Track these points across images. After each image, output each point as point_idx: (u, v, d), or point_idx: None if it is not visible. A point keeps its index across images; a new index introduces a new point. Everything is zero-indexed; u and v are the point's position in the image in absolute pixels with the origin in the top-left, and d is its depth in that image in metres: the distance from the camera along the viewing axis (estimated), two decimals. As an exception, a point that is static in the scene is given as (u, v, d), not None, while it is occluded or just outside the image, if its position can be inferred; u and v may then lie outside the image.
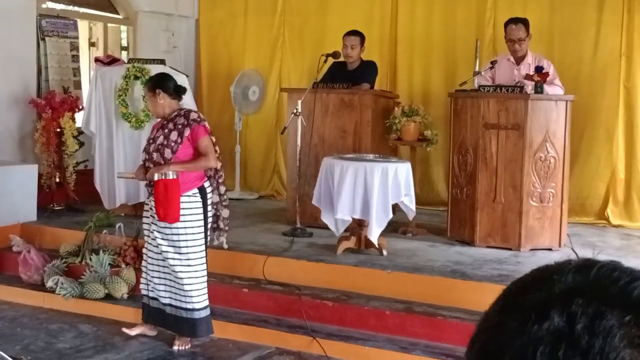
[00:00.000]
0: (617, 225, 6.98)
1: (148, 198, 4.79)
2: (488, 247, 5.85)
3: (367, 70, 6.73)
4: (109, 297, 5.42)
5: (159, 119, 4.85)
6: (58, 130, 6.94)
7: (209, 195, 4.70)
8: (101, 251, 5.67)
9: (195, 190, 4.63)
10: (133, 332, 4.91)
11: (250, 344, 4.85)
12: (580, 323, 0.59)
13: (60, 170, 7.05)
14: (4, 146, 7.02)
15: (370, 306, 4.93)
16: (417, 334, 4.65)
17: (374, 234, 5.41)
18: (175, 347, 4.75)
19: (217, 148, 4.75)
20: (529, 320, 0.61)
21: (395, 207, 5.75)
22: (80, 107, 7.17)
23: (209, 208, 4.71)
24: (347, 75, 6.67)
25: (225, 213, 4.87)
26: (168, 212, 4.51)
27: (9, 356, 1.79)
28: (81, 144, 7.10)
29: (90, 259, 5.62)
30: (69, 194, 7.07)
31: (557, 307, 0.60)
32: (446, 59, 7.73)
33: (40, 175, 6.87)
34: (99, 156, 6.91)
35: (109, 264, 5.57)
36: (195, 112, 4.86)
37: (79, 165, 7.22)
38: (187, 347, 4.78)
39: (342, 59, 6.66)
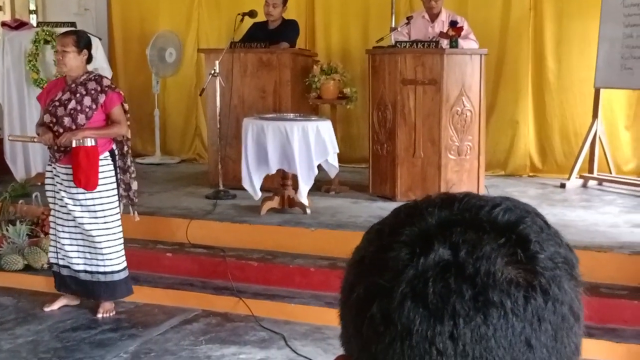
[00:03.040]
0: (532, 176, 7.21)
1: (52, 164, 4.66)
2: (409, 201, 5.95)
3: (288, 29, 6.68)
4: (28, 268, 5.29)
5: (54, 79, 4.69)
6: (-34, 98, 6.67)
7: (117, 158, 4.65)
8: (18, 222, 5.51)
9: (107, 154, 4.57)
10: (55, 306, 4.82)
11: (176, 308, 4.83)
12: (462, 250, 0.62)
13: (-30, 140, 6.79)
14: None
15: (295, 264, 4.97)
16: (342, 289, 4.71)
17: (302, 193, 5.44)
18: (100, 315, 4.70)
19: (128, 116, 4.68)
20: (414, 253, 0.63)
21: (318, 166, 5.78)
22: (-11, 74, 6.89)
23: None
24: (268, 34, 6.61)
25: (134, 185, 4.80)
26: (90, 179, 4.44)
27: None
28: (-8, 113, 6.85)
29: (7, 230, 5.46)
30: (-19, 165, 6.83)
31: (438, 238, 0.63)
32: (363, 15, 7.75)
33: (-51, 146, 6.62)
34: (9, 124, 6.68)
35: (27, 234, 5.43)
36: (107, 78, 4.75)
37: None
38: (111, 314, 4.73)
39: (262, 18, 6.59)
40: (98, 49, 6.62)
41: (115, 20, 8.67)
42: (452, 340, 0.60)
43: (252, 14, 6.42)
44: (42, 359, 4.09)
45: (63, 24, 6.67)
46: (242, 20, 6.35)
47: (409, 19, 6.36)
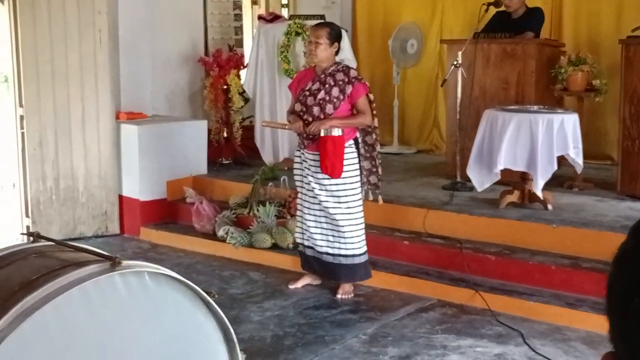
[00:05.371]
0: None
1: (300, 150, 4.91)
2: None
3: (533, 18, 6.49)
4: (275, 247, 5.67)
5: (302, 69, 4.92)
6: (225, 87, 7.24)
7: (359, 146, 4.82)
8: (267, 203, 5.90)
9: (351, 142, 4.76)
10: (299, 284, 5.11)
11: (412, 295, 4.92)
12: None
13: (227, 125, 7.36)
14: (176, 103, 7.43)
15: (534, 261, 4.84)
16: (585, 290, 4.52)
17: (538, 186, 5.28)
18: (339, 296, 4.91)
19: (374, 105, 4.82)
20: None
21: (561, 161, 5.57)
22: (245, 65, 7.41)
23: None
24: (510, 24, 6.47)
25: (380, 170, 4.98)
26: (335, 167, 4.65)
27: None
28: (246, 100, 7.37)
29: (258, 210, 5.86)
30: (236, 149, 7.38)
31: None
32: (616, 3, 7.29)
33: (209, 131, 7.20)
34: (260, 112, 7.14)
35: (275, 215, 5.79)
36: (354, 69, 4.92)
37: (245, 120, 7.51)
38: (350, 296, 4.93)
39: (504, 7, 6.47)
40: (344, 41, 6.85)
41: (360, 13, 8.93)
42: None
43: (497, 3, 6.30)
44: (287, 332, 4.37)
45: (313, 17, 7.01)
46: (486, 10, 6.25)
47: (670, 6, 5.90)
